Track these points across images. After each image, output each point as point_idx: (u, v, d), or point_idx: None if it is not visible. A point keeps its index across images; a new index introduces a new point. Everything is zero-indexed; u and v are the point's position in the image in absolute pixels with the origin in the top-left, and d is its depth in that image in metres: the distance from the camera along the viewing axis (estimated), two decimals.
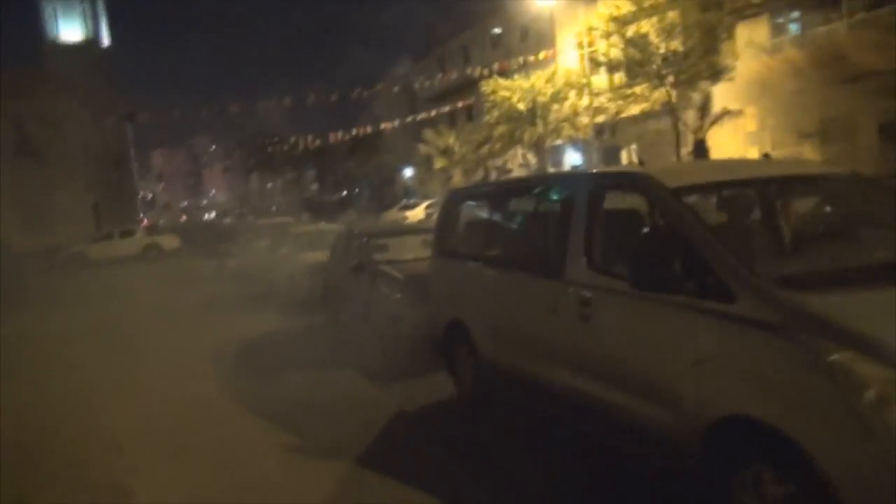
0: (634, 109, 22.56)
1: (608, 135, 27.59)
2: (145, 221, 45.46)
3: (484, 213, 5.76)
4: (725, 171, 4.52)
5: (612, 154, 28.05)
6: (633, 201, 4.17)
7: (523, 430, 5.17)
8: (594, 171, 5.64)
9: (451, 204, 6.37)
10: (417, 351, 6.83)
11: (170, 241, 32.14)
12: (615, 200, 4.33)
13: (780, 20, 21.09)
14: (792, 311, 2.89)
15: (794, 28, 21.12)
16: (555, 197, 4.72)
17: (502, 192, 5.89)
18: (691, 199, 3.76)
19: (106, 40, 62.35)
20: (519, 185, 5.93)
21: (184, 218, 76.07)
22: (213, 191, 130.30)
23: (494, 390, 5.42)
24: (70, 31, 59.66)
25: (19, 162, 35.14)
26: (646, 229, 3.87)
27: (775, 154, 22.21)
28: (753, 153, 23.15)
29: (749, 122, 22.83)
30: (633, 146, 26.60)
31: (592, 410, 4.05)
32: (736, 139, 23.29)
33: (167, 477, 4.61)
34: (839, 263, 3.35)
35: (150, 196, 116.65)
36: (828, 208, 4.22)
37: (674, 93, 20.78)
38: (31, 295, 16.59)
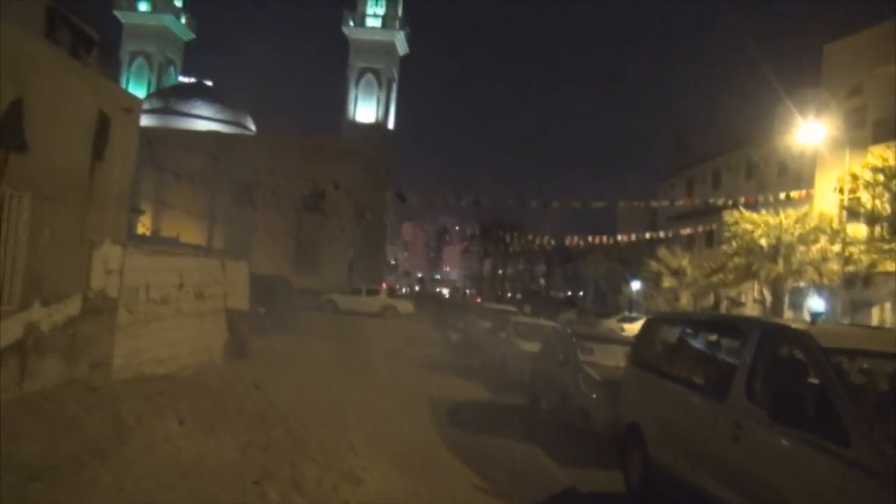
0: (891, 266, 21.08)
1: (860, 286, 25.73)
2: (385, 284, 50.67)
3: (675, 338, 6.71)
4: (877, 341, 5.07)
5: (861, 307, 26.01)
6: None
7: None
8: (762, 319, 6.33)
9: (652, 324, 7.39)
10: (601, 445, 7.76)
11: (405, 306, 35.85)
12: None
13: None
14: (892, 463, 3.59)
15: None
16: (730, 336, 5.60)
17: (694, 324, 6.80)
18: (840, 359, 4.49)
19: (392, 124, 72.03)
20: (707, 320, 6.78)
21: (417, 287, 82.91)
22: (448, 267, 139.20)
23: (656, 487, 6.22)
24: (366, 112, 70.13)
25: (304, 213, 42.05)
26: (793, 375, 4.65)
27: None
28: None
29: None
30: (887, 304, 24.53)
31: None
32: None
33: (388, 476, 6.15)
34: None
35: (393, 261, 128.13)
36: None
37: None
38: (302, 327, 20.14)
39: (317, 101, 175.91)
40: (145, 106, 58.86)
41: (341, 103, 71.56)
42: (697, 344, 6.29)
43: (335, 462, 6.28)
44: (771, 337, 5.06)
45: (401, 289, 61.26)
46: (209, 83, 77.95)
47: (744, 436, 4.79)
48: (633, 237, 36.09)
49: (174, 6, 74.50)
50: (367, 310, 33.17)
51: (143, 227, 31.79)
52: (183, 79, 74.99)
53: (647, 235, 36.01)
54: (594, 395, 9.24)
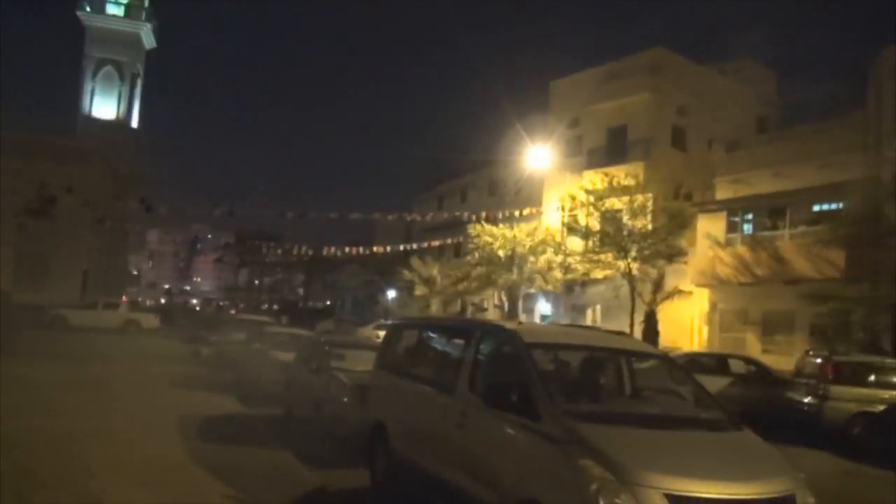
0: (599, 273, 24.82)
1: (578, 292, 29.83)
2: (125, 297, 46.40)
3: (414, 340, 7.45)
4: (570, 336, 6.30)
5: (579, 310, 30.14)
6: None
7: None
8: (483, 321, 7.40)
9: (395, 328, 8.09)
10: (351, 447, 8.24)
11: (149, 320, 33.38)
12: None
13: (736, 219, 23.79)
14: (568, 431, 4.54)
15: (746, 228, 23.78)
16: (458, 336, 6.46)
17: (430, 327, 7.63)
18: (538, 351, 5.49)
19: (135, 122, 66.39)
20: (439, 324, 7.67)
21: (163, 300, 77.19)
22: (198, 278, 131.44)
23: (399, 478, 6.85)
24: (105, 108, 63.78)
25: (28, 219, 37.01)
26: (502, 367, 5.58)
27: (724, 335, 24.30)
28: (704, 331, 25.24)
29: (702, 303, 25.06)
30: (598, 306, 28.74)
31: (456, 494, 5.54)
32: (688, 315, 25.43)
33: (131, 495, 5.97)
34: (616, 409, 5.06)
35: (136, 272, 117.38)
36: (630, 374, 5.94)
37: (635, 265, 23.07)
38: (23, 346, 17.86)
39: (46, 93, 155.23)
40: None
41: (76, 96, 64.37)
42: (432, 345, 7.08)
43: (72, 487, 5.96)
44: (488, 335, 5.96)
45: (145, 301, 56.60)
46: None
47: (466, 422, 5.57)
48: (388, 249, 37.71)
49: None
50: (106, 325, 30.28)
51: None
52: None
53: (402, 247, 37.86)
54: (345, 400, 9.71)
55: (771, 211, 22.99)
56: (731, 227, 23.85)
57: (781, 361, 19.11)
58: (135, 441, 8.30)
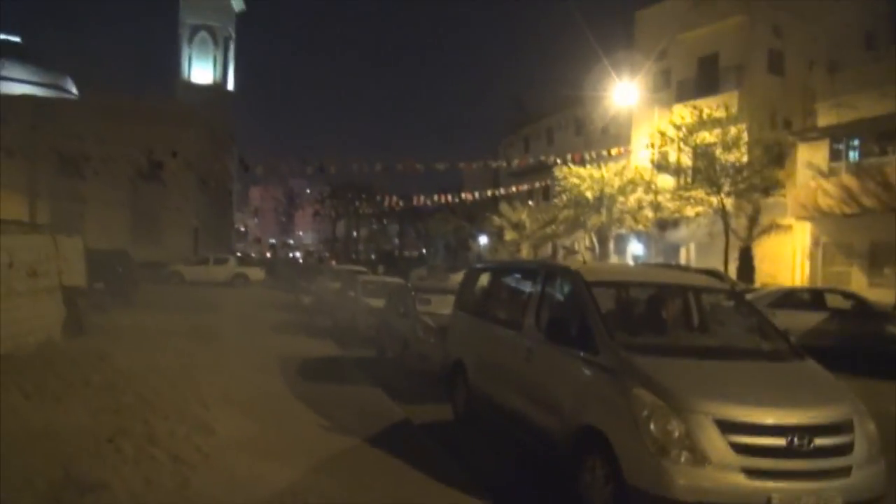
0: (690, 211, 24.15)
1: (670, 231, 29.14)
2: (237, 252, 49.37)
3: (487, 283, 7.80)
4: (631, 274, 6.44)
5: (672, 249, 29.50)
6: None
7: (489, 438, 7.05)
8: (548, 263, 7.62)
9: (471, 272, 8.46)
10: (437, 385, 8.79)
11: (255, 273, 35.48)
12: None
13: (840, 146, 22.38)
14: (624, 363, 4.79)
15: (852, 155, 22.34)
16: (526, 277, 6.75)
17: (502, 270, 7.95)
18: (600, 289, 5.70)
19: (231, 85, 69.06)
20: (509, 267, 7.96)
21: (268, 254, 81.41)
22: (301, 232, 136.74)
23: (477, 411, 7.32)
24: (202, 73, 66.64)
25: (140, 182, 39.86)
26: (562, 305, 5.84)
27: (827, 270, 23.25)
28: (806, 266, 24.20)
29: (803, 238, 23.97)
30: (692, 245, 28.04)
31: (524, 422, 5.94)
32: (789, 250, 24.42)
33: (238, 424, 6.77)
34: (673, 342, 5.24)
35: (243, 228, 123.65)
36: (696, 309, 6.04)
37: (728, 201, 22.29)
38: (144, 299, 19.69)
39: (148, 60, 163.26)
40: None
41: (175, 64, 67.57)
42: (503, 286, 7.42)
43: (187, 417, 6.77)
44: (552, 275, 6.22)
45: (251, 256, 59.95)
46: (17, 40, 70.02)
47: (533, 357, 5.92)
48: (476, 195, 37.97)
49: None
50: (216, 279, 32.53)
51: None
52: None
53: (490, 192, 38.03)
54: (431, 341, 10.29)
55: (879, 135, 21.46)
56: (835, 156, 22.50)
57: (889, 295, 18.21)
58: (242, 378, 9.20)
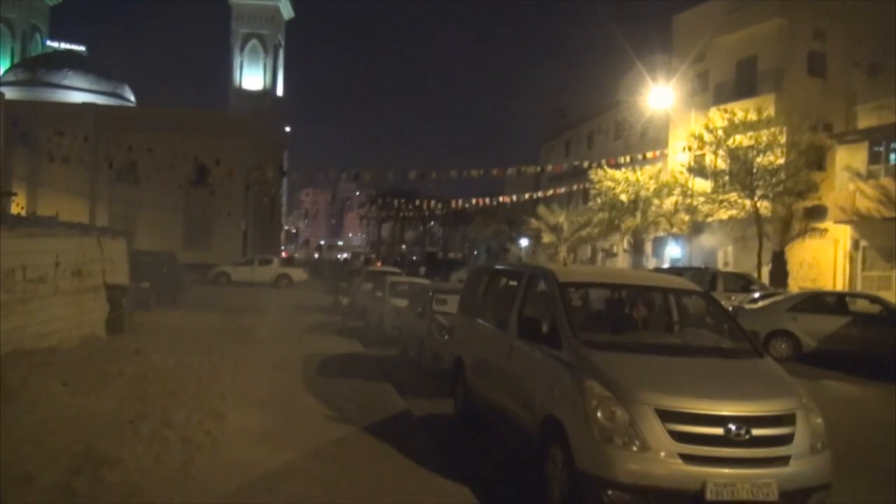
0: (724, 214, 23.99)
1: (707, 234, 28.90)
2: (284, 253, 50.81)
3: (484, 285, 8.25)
4: (601, 276, 6.79)
5: (708, 252, 29.24)
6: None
7: (481, 431, 7.50)
8: (532, 266, 7.99)
9: (473, 275, 8.92)
10: (447, 382, 9.27)
11: (298, 274, 36.63)
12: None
13: (879, 149, 21.95)
14: (582, 358, 5.19)
15: (893, 158, 21.88)
16: (513, 279, 7.18)
17: (494, 272, 8.39)
18: (572, 290, 6.10)
19: (280, 91, 71.03)
20: (505, 269, 8.37)
21: (316, 255, 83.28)
22: (350, 234, 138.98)
23: (471, 406, 7.78)
24: (253, 80, 68.76)
25: (192, 188, 41.60)
26: (536, 304, 6.25)
27: (867, 274, 22.81)
28: (847, 270, 23.76)
29: (843, 241, 23.56)
30: (729, 248, 27.78)
31: (506, 417, 6.37)
32: (828, 254, 24.03)
33: (249, 413, 7.39)
34: (632, 339, 5.60)
35: (294, 230, 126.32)
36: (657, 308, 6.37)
37: (762, 204, 22.09)
38: (186, 300, 20.76)
39: (202, 68, 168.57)
40: (9, 78, 55.43)
41: (227, 71, 69.88)
42: (496, 288, 7.86)
43: (204, 406, 7.43)
44: (533, 277, 6.63)
45: (298, 257, 61.56)
46: (81, 49, 73.41)
47: (513, 354, 6.35)
48: (515, 198, 38.30)
49: None
50: (260, 279, 33.75)
51: (18, 206, 30.69)
52: (51, 43, 70.47)
53: (528, 195, 38.30)
54: (444, 338, 10.78)
55: None
56: (874, 158, 22.09)
57: None
58: (264, 374, 9.87)
